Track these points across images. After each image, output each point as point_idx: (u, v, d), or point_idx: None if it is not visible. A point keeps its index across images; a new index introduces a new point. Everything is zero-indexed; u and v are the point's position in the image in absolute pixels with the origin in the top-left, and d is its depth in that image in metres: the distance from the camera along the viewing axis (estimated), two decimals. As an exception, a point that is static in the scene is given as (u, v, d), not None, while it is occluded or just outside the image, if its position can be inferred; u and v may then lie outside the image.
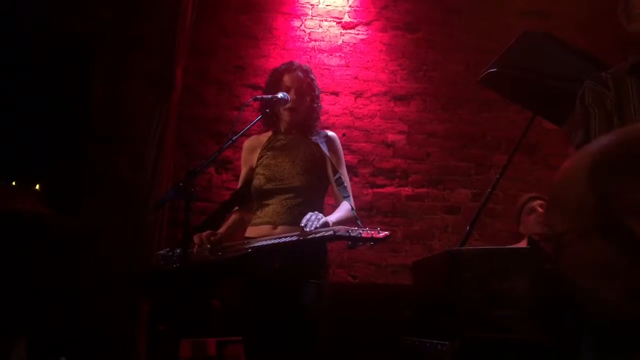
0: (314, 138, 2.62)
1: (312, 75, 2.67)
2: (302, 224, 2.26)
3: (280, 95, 2.57)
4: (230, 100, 4.51)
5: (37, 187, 4.24)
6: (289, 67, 2.65)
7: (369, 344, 3.95)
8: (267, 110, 2.58)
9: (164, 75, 4.11)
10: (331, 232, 2.22)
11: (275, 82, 2.64)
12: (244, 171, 2.71)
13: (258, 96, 2.65)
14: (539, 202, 3.34)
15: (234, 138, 2.48)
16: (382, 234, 2.19)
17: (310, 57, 4.61)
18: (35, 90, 4.38)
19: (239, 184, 2.71)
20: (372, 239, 2.18)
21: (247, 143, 2.75)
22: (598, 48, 3.41)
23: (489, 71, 2.89)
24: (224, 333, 3.54)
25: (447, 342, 2.35)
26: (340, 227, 2.25)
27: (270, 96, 2.58)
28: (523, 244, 3.28)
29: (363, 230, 2.20)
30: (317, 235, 2.24)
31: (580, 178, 0.87)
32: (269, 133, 2.70)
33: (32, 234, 3.66)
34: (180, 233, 2.34)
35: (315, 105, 2.66)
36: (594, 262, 0.85)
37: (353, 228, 2.23)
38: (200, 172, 2.38)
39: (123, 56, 4.38)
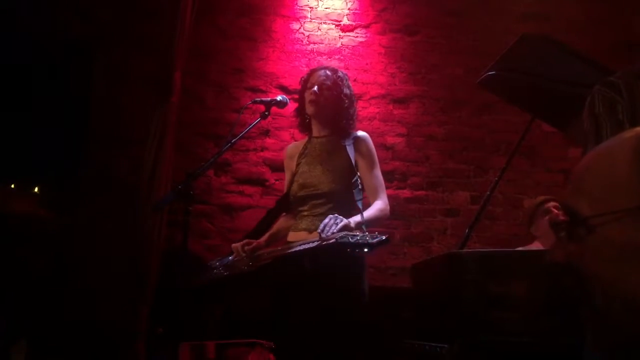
0: (345, 141, 2.60)
1: (340, 75, 2.65)
2: (320, 230, 2.24)
3: (279, 98, 2.59)
4: (229, 103, 4.51)
5: (36, 189, 4.23)
6: (317, 67, 2.71)
7: (368, 346, 3.94)
8: (267, 113, 2.59)
9: (163, 77, 4.11)
10: (333, 240, 2.17)
11: (304, 81, 2.68)
12: (287, 178, 2.73)
13: (257, 99, 2.66)
14: (553, 203, 3.39)
15: (233, 141, 2.48)
16: (375, 239, 2.07)
17: (309, 59, 4.61)
18: (34, 92, 4.38)
19: (285, 190, 2.72)
20: (366, 244, 2.07)
21: (287, 150, 2.79)
22: (597, 51, 3.42)
23: (488, 74, 2.89)
24: (223, 336, 3.53)
25: (446, 345, 2.35)
26: (345, 233, 2.19)
27: (269, 99, 2.59)
28: (535, 245, 3.35)
29: (361, 237, 2.12)
30: (322, 243, 2.21)
31: (624, 160, 0.87)
32: (306, 139, 2.72)
33: (31, 236, 3.66)
34: (179, 235, 2.34)
35: (345, 104, 2.62)
36: (622, 246, 0.84)
37: (354, 234, 2.17)
38: (200, 175, 2.39)
39: (122, 58, 4.38)
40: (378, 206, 2.49)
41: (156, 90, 4.12)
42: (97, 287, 3.90)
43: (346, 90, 2.64)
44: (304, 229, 2.50)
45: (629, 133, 0.91)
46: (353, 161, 2.55)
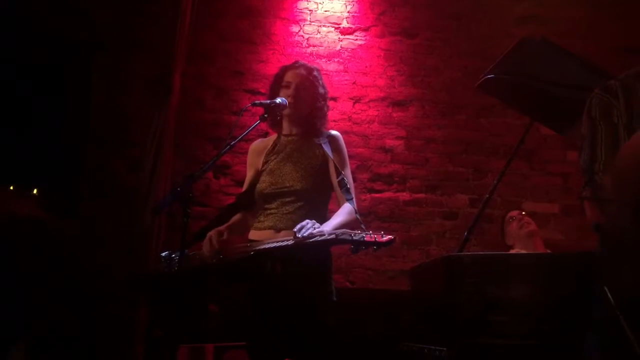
0: (317, 139, 2.57)
1: (315, 74, 2.63)
2: (295, 229, 2.22)
3: (278, 100, 2.56)
4: (228, 105, 4.51)
5: (35, 191, 4.23)
6: (292, 65, 2.66)
7: (366, 349, 3.94)
8: (266, 116, 2.56)
9: (162, 79, 4.12)
10: (333, 236, 2.17)
11: (278, 78, 2.64)
12: (249, 174, 2.68)
13: (257, 101, 2.64)
14: (514, 211, 3.71)
15: (232, 143, 2.46)
16: (386, 237, 2.12)
17: (309, 62, 4.58)
18: (33, 94, 4.38)
19: (244, 187, 2.67)
20: (375, 242, 2.11)
21: (253, 146, 2.73)
22: (596, 54, 3.43)
23: (487, 77, 2.89)
24: (222, 338, 3.53)
25: (445, 348, 2.35)
26: (344, 230, 2.20)
27: (269, 101, 2.57)
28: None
29: (366, 234, 2.13)
30: (320, 239, 2.19)
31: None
32: (275, 136, 2.69)
33: (30, 238, 3.65)
34: (178, 238, 2.32)
35: (319, 104, 2.61)
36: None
37: (356, 232, 2.17)
38: (199, 177, 2.37)
39: (122, 59, 4.38)
40: (349, 209, 2.43)
41: (156, 92, 4.13)
42: (96, 289, 3.90)
43: (321, 90, 2.62)
44: (270, 227, 2.45)
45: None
46: (331, 160, 2.51)
